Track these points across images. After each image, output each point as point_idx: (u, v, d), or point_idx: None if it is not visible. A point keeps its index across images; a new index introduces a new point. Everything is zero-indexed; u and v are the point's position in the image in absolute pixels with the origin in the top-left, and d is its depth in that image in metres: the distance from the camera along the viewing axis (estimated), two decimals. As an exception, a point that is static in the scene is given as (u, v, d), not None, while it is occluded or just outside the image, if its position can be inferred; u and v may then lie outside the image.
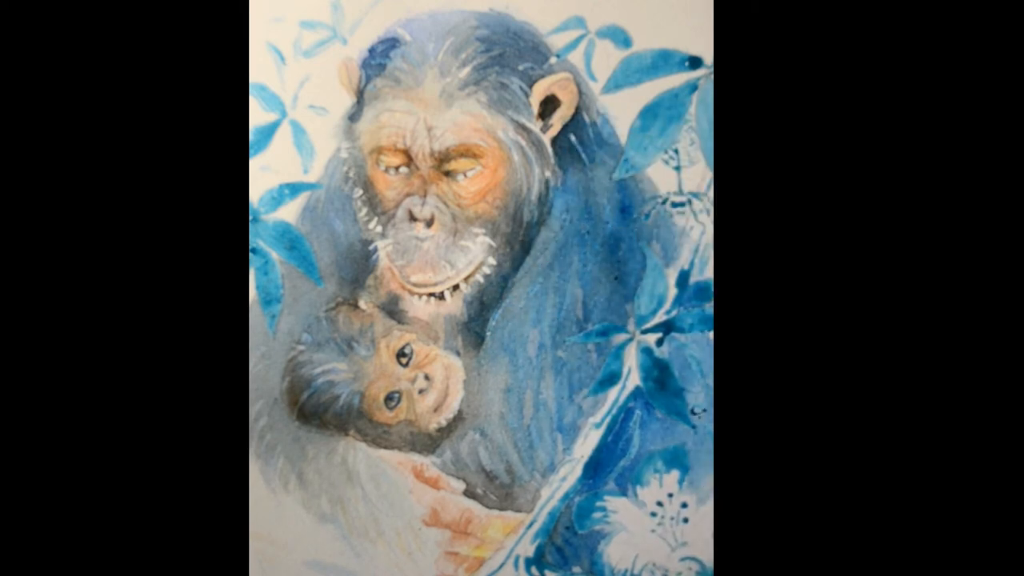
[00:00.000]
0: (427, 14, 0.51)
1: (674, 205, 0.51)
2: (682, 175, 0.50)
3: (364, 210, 0.54)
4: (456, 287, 0.54)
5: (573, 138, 0.52)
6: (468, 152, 0.52)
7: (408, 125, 0.52)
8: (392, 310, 0.55)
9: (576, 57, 0.50)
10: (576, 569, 0.54)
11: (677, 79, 0.48)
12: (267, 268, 0.54)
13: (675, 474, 0.53)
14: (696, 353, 0.51)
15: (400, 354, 0.55)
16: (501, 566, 0.55)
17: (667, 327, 0.52)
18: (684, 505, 0.53)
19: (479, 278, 0.54)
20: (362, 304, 0.55)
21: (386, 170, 0.53)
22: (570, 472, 0.54)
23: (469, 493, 0.55)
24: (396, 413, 0.55)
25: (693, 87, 0.48)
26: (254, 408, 0.56)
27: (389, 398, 0.55)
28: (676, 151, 0.49)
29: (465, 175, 0.52)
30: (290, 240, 0.54)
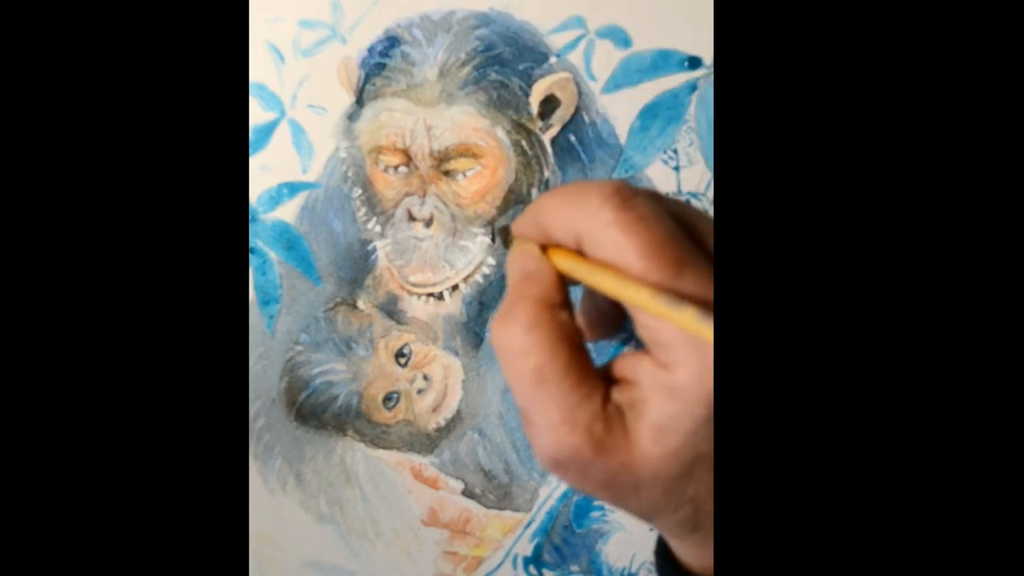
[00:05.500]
0: (427, 13, 0.51)
1: (673, 205, 0.51)
2: (681, 175, 0.50)
3: (363, 210, 0.54)
4: (455, 287, 0.54)
5: (573, 138, 0.52)
6: (468, 152, 0.52)
7: (407, 125, 0.52)
8: (391, 310, 0.55)
9: (576, 57, 0.50)
10: (574, 568, 0.54)
11: (677, 79, 0.48)
12: (265, 268, 0.54)
13: (674, 474, 0.53)
14: (695, 353, 0.51)
15: (399, 354, 0.55)
16: (499, 565, 0.55)
17: (666, 327, 0.52)
18: (683, 504, 0.53)
19: (478, 278, 0.54)
20: (361, 304, 0.55)
21: (385, 170, 0.53)
22: (569, 472, 0.54)
23: (468, 493, 0.55)
24: (395, 413, 0.55)
25: (693, 87, 0.48)
26: (252, 408, 0.55)
27: (388, 398, 0.55)
28: (675, 151, 0.49)
29: (464, 175, 0.52)
30: (288, 240, 0.54)
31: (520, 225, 0.33)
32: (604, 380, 0.30)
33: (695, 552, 0.32)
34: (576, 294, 0.34)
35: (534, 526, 0.54)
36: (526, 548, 0.54)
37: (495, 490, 0.55)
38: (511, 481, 0.54)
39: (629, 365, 0.30)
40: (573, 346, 0.29)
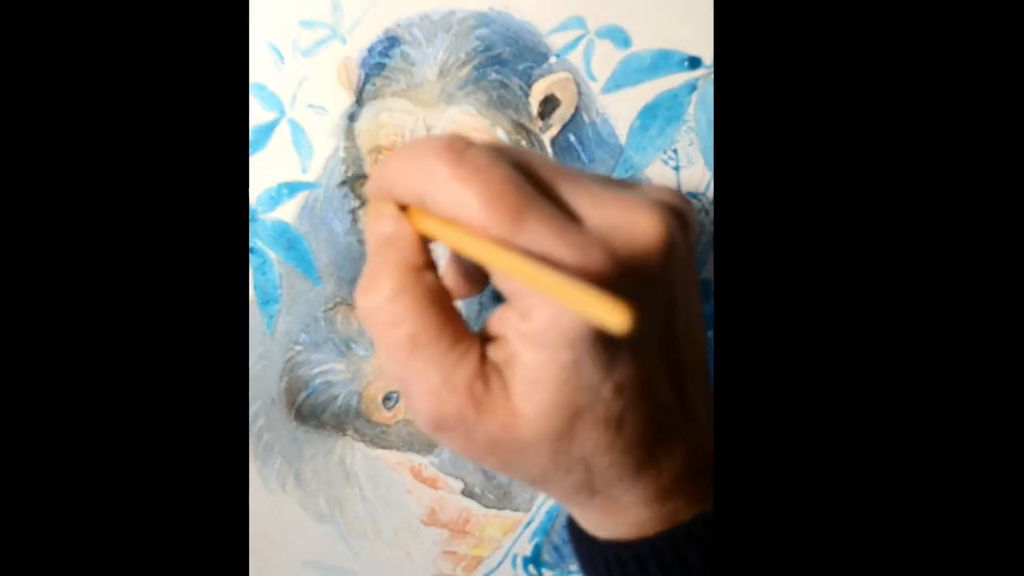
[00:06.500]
0: (426, 13, 0.51)
1: (673, 205, 0.51)
2: (681, 175, 0.50)
3: (363, 209, 0.54)
4: (455, 287, 0.54)
5: (572, 138, 0.52)
6: (467, 152, 0.52)
7: (407, 124, 0.52)
8: (391, 310, 0.55)
9: (576, 57, 0.50)
10: (573, 567, 0.54)
11: (676, 79, 0.48)
12: (265, 268, 0.54)
13: (673, 473, 0.53)
14: (694, 353, 0.51)
15: (398, 354, 0.55)
16: (499, 565, 0.55)
17: (665, 327, 0.52)
18: (682, 504, 0.53)
19: (478, 278, 0.54)
20: (360, 304, 0.55)
21: (385, 169, 0.53)
22: (568, 471, 0.54)
23: (467, 492, 0.55)
24: (394, 413, 0.55)
25: (692, 87, 0.48)
26: (252, 408, 0.55)
27: (387, 398, 0.55)
28: (675, 151, 0.49)
29: (464, 175, 0.52)
30: (288, 240, 0.54)
31: (370, 187, 0.32)
32: (479, 339, 0.29)
33: (601, 520, 0.32)
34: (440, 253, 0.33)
35: (533, 525, 0.54)
36: (525, 548, 0.54)
37: (494, 490, 0.55)
38: (510, 480, 0.54)
39: (498, 320, 0.29)
40: (443, 307, 0.29)
